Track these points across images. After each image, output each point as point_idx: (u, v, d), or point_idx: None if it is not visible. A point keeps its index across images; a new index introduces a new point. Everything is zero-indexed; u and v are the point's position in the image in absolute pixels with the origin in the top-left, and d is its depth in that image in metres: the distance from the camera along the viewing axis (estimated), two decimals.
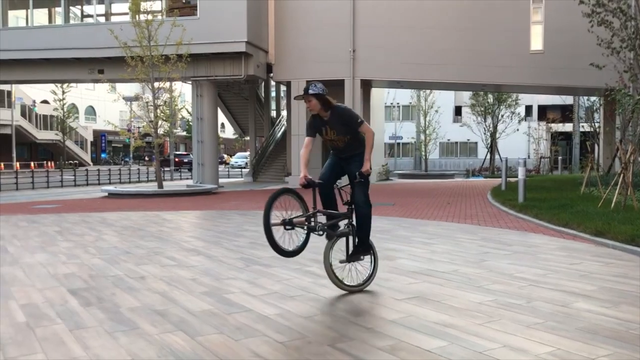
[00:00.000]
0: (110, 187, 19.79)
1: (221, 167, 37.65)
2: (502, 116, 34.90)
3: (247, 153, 51.05)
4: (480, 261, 6.06)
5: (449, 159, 49.68)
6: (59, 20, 25.56)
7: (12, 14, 25.94)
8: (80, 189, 24.32)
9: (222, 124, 59.97)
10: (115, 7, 25.34)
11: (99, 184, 27.83)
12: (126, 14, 21.67)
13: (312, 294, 4.72)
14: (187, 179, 32.43)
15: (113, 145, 65.25)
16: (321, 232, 4.72)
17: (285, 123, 28.28)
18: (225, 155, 66.74)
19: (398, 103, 46.62)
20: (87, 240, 8.07)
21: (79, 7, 26.17)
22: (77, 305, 4.46)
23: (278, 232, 4.48)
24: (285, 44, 22.73)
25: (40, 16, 27.59)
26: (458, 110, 47.70)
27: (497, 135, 35.16)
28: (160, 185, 18.89)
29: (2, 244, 7.81)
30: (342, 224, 4.99)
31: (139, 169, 36.08)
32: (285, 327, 3.83)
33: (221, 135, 63.44)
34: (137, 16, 18.80)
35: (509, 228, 8.78)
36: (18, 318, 4.12)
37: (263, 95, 30.94)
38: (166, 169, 36.01)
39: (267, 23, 23.07)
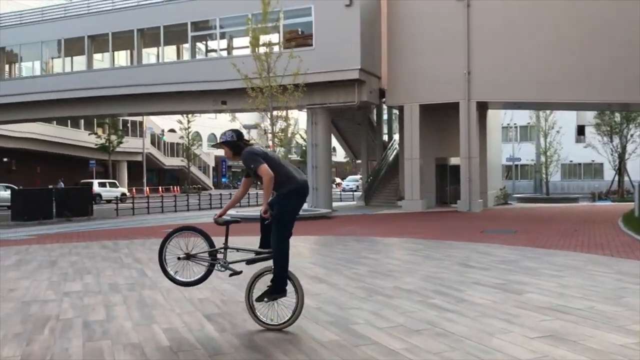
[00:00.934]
0: (232, 211, 20.74)
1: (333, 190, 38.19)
2: (632, 136, 32.50)
3: (359, 176, 51.47)
4: (618, 297, 5.67)
5: (572, 181, 46.91)
6: (186, 55, 27.45)
7: (145, 51, 28.24)
8: (204, 212, 25.71)
9: (334, 148, 61.01)
10: (237, 42, 26.79)
11: (221, 206, 29.26)
12: (247, 47, 22.86)
13: (438, 329, 4.66)
14: None
15: (232, 170, 68.43)
16: (222, 269, 5.02)
17: (397, 147, 28.25)
18: (337, 179, 67.61)
19: (515, 124, 44.92)
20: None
21: (204, 42, 27.97)
22: (212, 331, 4.73)
23: (179, 263, 5.09)
24: (397, 69, 22.82)
25: (169, 52, 29.78)
26: (581, 130, 45.04)
27: (626, 156, 32.75)
28: None
29: (141, 267, 8.45)
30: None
31: (257, 193, 37.50)
32: None
33: (332, 158, 64.42)
34: (257, 49, 19.76)
35: None
36: (162, 342, 4.44)
37: (375, 119, 31.17)
38: None
39: (379, 49, 23.33)
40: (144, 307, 5.69)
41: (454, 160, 24.34)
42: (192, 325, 4.95)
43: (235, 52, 26.01)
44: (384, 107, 29.06)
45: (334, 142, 36.28)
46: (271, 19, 19.65)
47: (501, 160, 34.20)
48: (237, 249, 5.13)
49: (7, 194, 27.46)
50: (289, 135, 21.90)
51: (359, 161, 37.75)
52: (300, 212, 16.18)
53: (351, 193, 41.35)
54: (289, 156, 23.85)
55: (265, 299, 4.86)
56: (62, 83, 27.41)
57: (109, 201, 36.69)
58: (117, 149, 47.10)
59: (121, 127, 48.23)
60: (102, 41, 27.48)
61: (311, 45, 22.28)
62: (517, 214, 20.43)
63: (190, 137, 54.39)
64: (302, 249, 10.50)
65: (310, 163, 23.76)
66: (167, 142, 57.23)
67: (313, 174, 23.51)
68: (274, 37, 22.30)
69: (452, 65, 21.64)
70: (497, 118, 30.10)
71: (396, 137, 30.37)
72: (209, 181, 62.16)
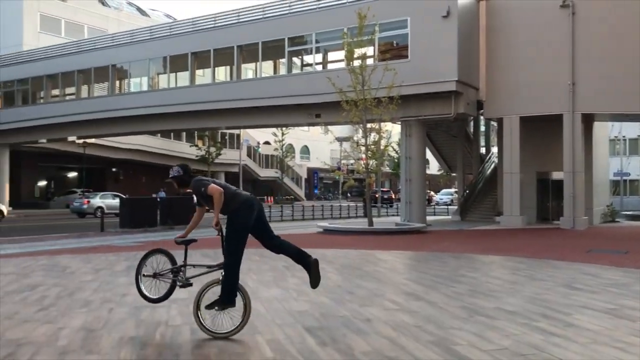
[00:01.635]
0: (325, 224, 20.96)
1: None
2: None
3: (453, 190, 50.36)
4: None
5: None
6: (282, 70, 28.18)
7: (243, 67, 29.30)
8: (297, 224, 26.16)
9: (427, 160, 60.27)
10: (332, 55, 27.16)
11: (313, 218, 29.67)
12: (341, 60, 23.12)
13: (546, 354, 4.46)
14: (392, 215, 33.03)
15: (324, 181, 69.24)
16: (180, 284, 5.54)
17: (495, 160, 27.40)
18: (431, 192, 66.59)
19: (624, 136, 42.25)
20: None
21: (300, 57, 28.61)
22: (314, 345, 4.80)
23: (147, 281, 5.66)
24: (497, 80, 22.18)
25: (266, 67, 30.71)
26: None
27: None
28: (371, 223, 19.50)
29: (241, 277, 8.70)
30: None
31: (348, 205, 37.70)
32: None
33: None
34: (351, 63, 19.92)
35: None
36: (266, 354, 4.56)
37: (472, 131, 30.43)
38: (373, 205, 37.13)
39: (477, 60, 22.78)
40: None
41: (556, 175, 23.24)
42: (294, 337, 5.04)
43: (329, 66, 26.37)
44: (482, 118, 28.29)
45: (428, 155, 35.89)
46: (367, 32, 19.75)
47: (608, 175, 32.21)
48: (194, 266, 5.74)
49: (115, 202, 29.34)
50: (382, 147, 21.86)
51: (454, 174, 37.01)
52: (394, 226, 16.58)
53: (445, 207, 40.51)
54: (382, 169, 23.76)
55: (216, 308, 5.23)
56: (167, 98, 28.99)
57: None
58: (216, 161, 49.07)
59: (219, 140, 50.23)
60: (204, 57, 28.81)
61: (406, 57, 22.14)
62: (626, 233, 19.17)
63: (284, 149, 55.71)
64: (397, 264, 10.42)
65: (404, 176, 23.55)
66: (262, 154, 58.94)
67: (406, 188, 23.28)
68: (369, 50, 22.40)
69: (554, 75, 20.75)
70: (604, 130, 28.47)
71: (494, 149, 29.47)
72: (301, 192, 63.22)
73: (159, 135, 43.80)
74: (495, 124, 27.56)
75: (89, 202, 32.65)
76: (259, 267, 9.89)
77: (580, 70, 20.47)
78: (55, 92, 35.66)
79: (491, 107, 22.51)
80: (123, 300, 6.85)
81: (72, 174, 47.73)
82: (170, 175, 5.72)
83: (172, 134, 45.67)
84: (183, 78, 30.35)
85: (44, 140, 36.23)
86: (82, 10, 46.77)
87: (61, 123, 32.89)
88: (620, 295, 6.94)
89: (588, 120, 22.67)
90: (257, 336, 5.09)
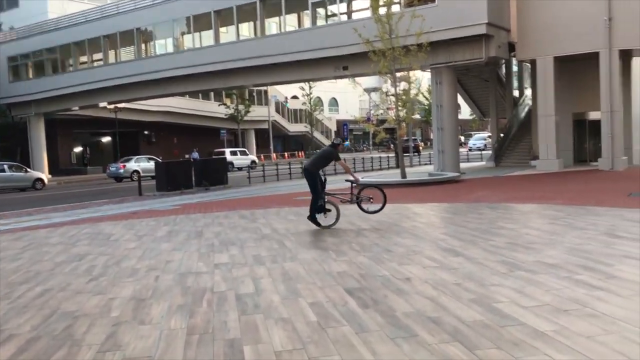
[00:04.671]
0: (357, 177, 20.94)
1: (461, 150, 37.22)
2: None
3: (486, 134, 49.54)
4: None
5: None
6: (307, 22, 27.73)
7: (267, 21, 28.91)
8: (330, 178, 26.13)
9: (458, 105, 59.46)
10: (356, 4, 26.53)
11: (344, 172, 29.69)
12: (367, 9, 22.61)
13: (588, 309, 4.46)
14: (425, 164, 32.84)
15: (354, 133, 68.90)
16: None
17: (529, 103, 26.78)
18: (461, 138, 65.74)
19: None
20: (349, 235, 8.73)
21: (324, 7, 28.06)
22: (356, 307, 4.89)
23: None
24: (528, 20, 21.47)
25: (290, 20, 30.24)
26: None
27: None
28: (404, 175, 19.44)
29: (280, 238, 8.87)
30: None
31: (380, 157, 37.55)
32: (567, 347, 3.70)
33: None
34: (377, 11, 19.46)
35: None
36: (310, 317, 4.67)
37: (504, 75, 29.69)
38: (406, 155, 36.93)
39: (508, 0, 22.01)
40: (288, 280, 5.99)
41: (593, 115, 22.65)
42: (336, 300, 5.14)
43: (355, 16, 25.82)
44: (514, 61, 27.52)
45: (459, 100, 35.33)
46: None
47: None
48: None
49: (150, 164, 29.84)
50: (412, 96, 21.53)
51: (487, 119, 36.37)
52: (427, 177, 17.60)
53: (479, 153, 40.01)
54: (412, 117, 23.36)
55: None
56: (192, 59, 28.96)
57: (240, 169, 38.64)
58: (245, 118, 49.19)
59: (247, 97, 50.18)
60: (227, 15, 28.52)
61: (434, 1, 21.52)
62: None
63: (312, 103, 55.40)
64: (433, 218, 10.43)
65: (436, 125, 23.29)
66: (291, 109, 58.77)
67: (438, 136, 23.04)
68: None
69: (589, 12, 19.96)
70: None
71: (528, 92, 28.76)
72: None
73: (187, 96, 43.97)
74: (528, 65, 26.78)
75: (125, 166, 33.28)
76: (296, 227, 10.03)
77: (617, 3, 19.61)
78: (84, 59, 35.96)
79: (523, 48, 21.87)
80: (168, 267, 7.07)
81: (106, 139, 48.55)
82: (340, 142, 10.21)
83: (200, 94, 45.78)
84: (207, 37, 30.19)
85: (76, 108, 36.81)
86: None
87: (91, 90, 33.30)
88: None
89: (626, 57, 21.86)
90: (300, 300, 5.21)
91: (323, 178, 9.87)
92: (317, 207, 9.62)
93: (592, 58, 20.34)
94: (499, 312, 4.53)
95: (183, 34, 31.53)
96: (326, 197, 9.72)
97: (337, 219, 9.68)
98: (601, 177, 17.70)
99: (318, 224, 9.71)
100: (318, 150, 10.35)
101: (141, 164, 33.20)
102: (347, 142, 67.04)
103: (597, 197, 12.13)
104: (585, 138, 24.10)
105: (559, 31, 20.56)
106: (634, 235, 7.40)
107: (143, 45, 33.64)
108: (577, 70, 22.14)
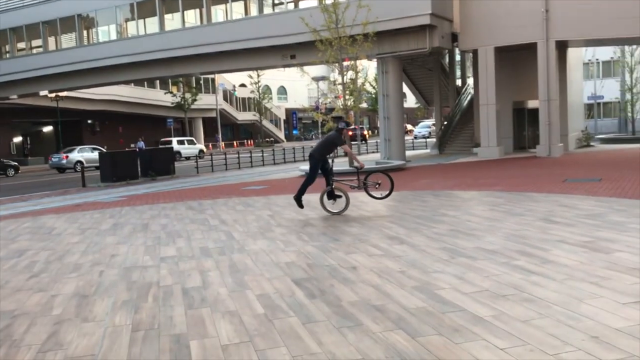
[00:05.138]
0: (307, 167, 21.02)
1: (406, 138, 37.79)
2: None
3: (430, 122, 50.47)
4: None
5: None
6: (254, 10, 27.46)
7: (213, 8, 28.47)
8: (279, 167, 26.24)
9: (404, 94, 60.33)
10: None
11: (294, 161, 29.75)
12: None
13: (525, 294, 4.67)
14: (371, 152, 33.23)
15: (303, 122, 68.94)
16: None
17: (471, 92, 27.44)
18: (408, 126, 66.76)
19: (597, 59, 42.36)
20: (297, 225, 8.80)
21: None
22: (303, 297, 4.96)
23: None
24: (470, 11, 21.95)
25: (236, 7, 29.87)
26: None
27: None
28: (351, 164, 19.60)
29: (227, 229, 8.85)
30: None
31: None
32: (504, 331, 3.87)
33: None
34: (324, 1, 19.47)
35: None
36: (257, 309, 4.71)
37: (448, 64, 30.29)
38: (353, 142, 37.23)
39: None
40: (236, 273, 6.00)
41: (532, 104, 23.44)
42: (283, 291, 5.20)
43: (302, 5, 25.76)
44: (457, 51, 28.11)
45: (405, 89, 35.83)
46: None
47: (582, 99, 32.51)
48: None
49: (94, 155, 29.07)
50: (359, 85, 21.69)
51: (431, 108, 37.04)
52: (374, 165, 17.79)
53: (424, 140, 40.77)
54: (360, 106, 23.57)
55: (332, 201, 9.86)
56: (137, 46, 28.26)
57: (187, 158, 38.09)
58: (192, 107, 48.42)
59: (194, 85, 49.38)
60: (172, 2, 27.92)
61: None
62: (600, 158, 19.59)
63: (260, 91, 55.03)
64: (379, 206, 10.60)
65: (382, 114, 23.57)
66: (239, 97, 58.23)
67: (385, 125, 23.34)
68: None
69: (528, 3, 20.59)
70: (577, 55, 28.51)
71: (470, 81, 29.46)
72: (281, 134, 63.02)
73: (132, 84, 42.89)
74: (471, 55, 27.41)
75: (67, 156, 32.27)
76: (244, 217, 10.01)
77: None
78: (22, 45, 34.53)
79: (466, 39, 22.37)
80: (112, 262, 6.95)
81: (48, 129, 46.93)
82: (345, 127, 9.97)
83: (145, 82, 44.77)
84: (152, 24, 29.50)
85: (15, 96, 35.36)
86: None
87: (30, 78, 32.06)
88: (595, 226, 7.20)
89: (562, 47, 22.69)
90: (248, 292, 5.24)
91: (331, 163, 9.86)
92: (325, 192, 9.75)
93: (530, 48, 21.01)
94: (440, 298, 4.69)
95: (127, 20, 30.70)
96: (334, 183, 9.73)
97: (347, 205, 9.70)
98: (539, 163, 18.39)
99: (301, 206, 9.91)
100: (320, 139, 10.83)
101: (85, 154, 32.31)
102: (295, 131, 67.06)
103: (535, 183, 12.60)
104: (524, 126, 24.92)
105: (499, 22, 21.12)
106: (568, 220, 7.76)
107: (85, 32, 32.58)
108: (516, 60, 22.83)
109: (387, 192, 9.83)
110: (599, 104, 44.19)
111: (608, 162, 17.76)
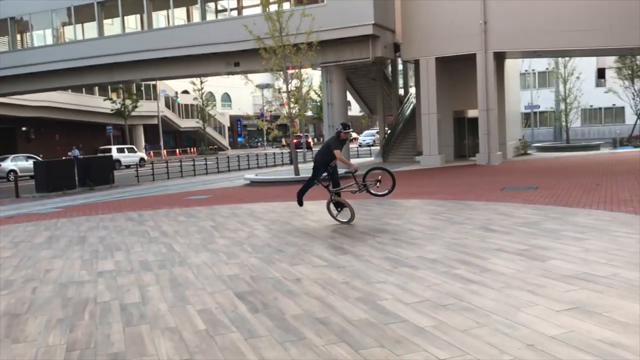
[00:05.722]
0: (251, 175, 20.92)
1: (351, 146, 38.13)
2: None
3: (375, 130, 51.18)
4: None
5: (593, 126, 46.27)
6: (196, 17, 27.15)
7: (155, 14, 27.96)
8: (223, 176, 25.96)
9: (349, 102, 60.89)
10: (247, 0, 26.38)
11: (239, 169, 29.51)
12: (257, 6, 22.54)
13: (465, 303, 4.76)
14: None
15: (248, 129, 68.54)
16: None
17: (413, 101, 27.99)
18: (353, 134, 67.46)
19: (534, 70, 44.13)
20: (241, 236, 8.70)
21: (214, 2, 27.61)
22: (246, 312, 4.89)
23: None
24: (412, 22, 22.42)
25: (179, 14, 29.44)
26: (601, 73, 43.94)
27: None
28: (297, 172, 19.64)
29: (168, 241, 8.65)
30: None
31: (274, 153, 37.65)
32: (444, 341, 3.93)
33: (348, 113, 64.39)
34: (267, 9, 19.48)
35: None
36: (198, 325, 4.61)
37: (390, 74, 30.81)
38: (298, 150, 37.32)
39: (393, 3, 22.88)
40: (177, 287, 5.86)
41: (472, 113, 24.12)
42: (225, 305, 5.11)
43: (245, 12, 25.68)
44: (399, 61, 28.65)
45: (349, 97, 36.18)
46: None
47: (520, 109, 33.76)
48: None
49: (29, 163, 27.93)
50: (304, 93, 21.80)
51: (375, 116, 37.56)
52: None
53: (368, 148, 41.26)
54: (305, 114, 23.63)
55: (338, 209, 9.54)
56: (74, 51, 27.42)
57: (128, 166, 37.16)
58: (133, 113, 47.31)
59: (135, 91, 48.28)
60: (112, 6, 27.26)
61: (323, 1, 21.90)
62: (537, 166, 20.33)
63: (204, 98, 54.38)
64: (323, 215, 10.61)
65: (327, 122, 23.72)
66: (182, 104, 57.32)
67: (330, 134, 23.45)
68: None
69: (467, 16, 21.21)
70: (515, 66, 29.59)
71: (412, 91, 30.07)
72: (225, 141, 62.38)
73: (70, 90, 41.51)
74: (413, 65, 27.98)
75: (0, 165, 30.88)
76: (186, 229, 9.82)
77: (492, 9, 21.02)
78: None
79: (407, 49, 22.81)
80: (47, 277, 6.67)
81: None
82: (347, 130, 9.31)
83: (83, 88, 43.44)
84: (91, 29, 28.69)
85: None
86: None
87: None
88: (531, 234, 7.44)
89: (500, 58, 23.47)
90: (189, 307, 5.13)
91: (330, 171, 9.42)
92: (330, 201, 9.55)
93: (470, 59, 21.64)
94: (383, 309, 4.72)
95: (64, 24, 29.75)
96: (334, 195, 9.43)
97: (352, 216, 9.28)
98: (479, 171, 18.91)
99: (300, 203, 9.92)
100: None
101: (19, 163, 30.97)
102: (240, 138, 66.59)
103: (474, 191, 12.94)
104: (464, 134, 25.61)
105: (440, 33, 21.67)
106: (505, 228, 7.99)
107: (19, 36, 31.33)
108: (457, 70, 23.47)
109: (390, 188, 9.17)
110: (535, 113, 45.95)
111: (544, 170, 18.44)
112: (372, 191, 9.37)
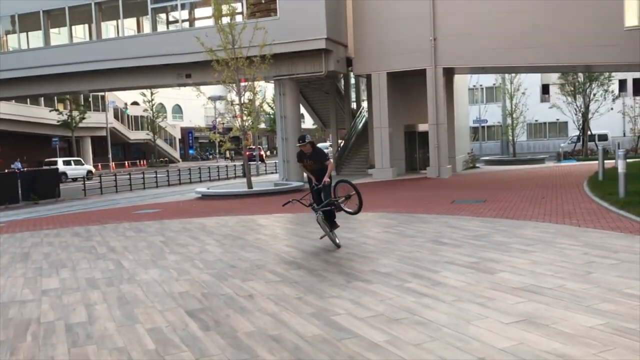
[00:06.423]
0: (203, 189, 20.63)
1: None
2: (595, 95, 33.18)
3: (328, 143, 51.40)
4: (586, 274, 5.90)
5: (538, 140, 47.81)
6: (147, 28, 26.74)
7: (103, 25, 27.39)
8: (174, 189, 25.52)
9: (302, 115, 61.01)
10: (199, 12, 26.17)
11: (190, 182, 29.08)
12: (210, 17, 22.40)
13: (417, 317, 4.80)
14: (270, 173, 33.24)
15: (200, 141, 67.74)
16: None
17: (366, 115, 28.29)
18: None
19: (481, 85, 45.36)
20: (193, 252, 8.55)
21: (165, 13, 27.27)
22: (197, 330, 4.79)
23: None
24: (364, 38, 22.71)
25: (129, 24, 28.93)
26: (545, 89, 45.64)
27: (590, 115, 33.50)
28: (250, 185, 19.50)
29: (117, 257, 8.42)
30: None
31: (226, 166, 37.30)
32: (397, 356, 3.94)
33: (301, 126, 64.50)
34: (220, 21, 19.38)
35: (612, 229, 8.43)
36: (148, 345, 4.48)
37: (343, 88, 31.09)
38: (251, 162, 37.08)
39: (345, 18, 23.13)
40: (125, 305, 5.70)
41: (422, 127, 24.54)
42: (176, 324, 4.99)
43: (197, 24, 25.47)
44: (352, 75, 28.96)
45: (302, 110, 36.28)
46: None
47: (468, 123, 34.60)
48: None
49: None
50: (257, 106, 21.71)
51: (328, 129, 37.74)
52: (272, 187, 17.04)
53: None
54: (258, 127, 23.55)
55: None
56: (19, 61, 26.54)
57: (74, 179, 36.09)
58: (80, 125, 46.04)
59: (83, 102, 47.05)
60: (59, 15, 26.57)
61: (276, 14, 21.94)
62: (485, 179, 20.82)
63: (154, 110, 53.50)
64: (277, 229, 10.57)
65: (280, 135, 23.68)
66: (131, 116, 56.17)
67: (283, 146, 23.46)
68: (238, 7, 21.84)
69: (417, 31, 21.64)
70: (463, 81, 30.34)
71: (365, 104, 30.39)
72: (176, 154, 61.45)
73: (13, 100, 40.07)
74: (365, 79, 28.32)
75: None
76: (135, 244, 9.58)
77: (441, 26, 21.51)
78: None
79: (359, 64, 23.08)
80: None
81: None
82: (307, 140, 8.15)
83: (28, 99, 42.02)
84: (37, 38, 27.85)
85: None
86: None
87: None
88: (480, 247, 7.59)
89: (449, 74, 24.01)
90: (138, 326, 4.98)
91: (313, 186, 8.37)
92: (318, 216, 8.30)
93: (420, 74, 22.06)
94: (336, 325, 4.70)
95: (7, 33, 28.76)
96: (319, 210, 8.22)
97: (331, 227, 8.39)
98: (429, 184, 19.23)
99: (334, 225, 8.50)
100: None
101: None
102: (192, 150, 65.72)
103: (425, 205, 13.13)
104: (415, 148, 26.03)
105: (391, 49, 22.02)
106: (455, 241, 8.12)
107: None
108: (408, 85, 23.89)
109: (357, 207, 8.31)
110: (483, 127, 47.14)
111: (492, 183, 18.90)
112: (344, 208, 8.49)
